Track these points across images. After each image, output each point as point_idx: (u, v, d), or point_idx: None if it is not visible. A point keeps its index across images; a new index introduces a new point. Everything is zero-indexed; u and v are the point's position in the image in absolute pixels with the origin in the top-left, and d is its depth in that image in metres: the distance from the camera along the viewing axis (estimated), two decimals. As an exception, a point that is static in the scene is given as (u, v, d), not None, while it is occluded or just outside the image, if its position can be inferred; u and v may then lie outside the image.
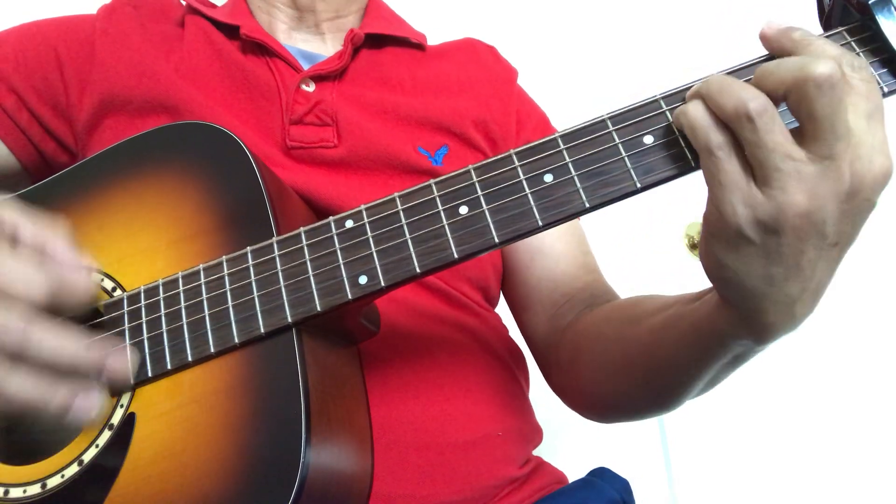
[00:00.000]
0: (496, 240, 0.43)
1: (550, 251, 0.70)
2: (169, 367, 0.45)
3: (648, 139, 0.42)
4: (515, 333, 0.71)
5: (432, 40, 0.76)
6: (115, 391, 0.46)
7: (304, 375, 0.42)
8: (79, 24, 0.67)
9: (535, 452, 0.65)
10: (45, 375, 0.40)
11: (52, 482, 0.45)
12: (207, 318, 0.46)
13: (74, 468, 0.44)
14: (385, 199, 0.46)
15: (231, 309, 0.45)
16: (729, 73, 0.42)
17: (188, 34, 0.67)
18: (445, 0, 1.21)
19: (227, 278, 0.46)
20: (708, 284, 0.45)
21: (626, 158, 0.42)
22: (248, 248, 0.47)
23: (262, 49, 0.66)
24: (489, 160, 0.45)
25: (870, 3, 0.41)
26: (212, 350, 0.45)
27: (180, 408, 0.44)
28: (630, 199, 0.43)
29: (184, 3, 0.71)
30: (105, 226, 0.52)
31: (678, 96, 0.43)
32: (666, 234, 1.23)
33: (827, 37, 0.42)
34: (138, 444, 0.44)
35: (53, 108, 0.64)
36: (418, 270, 0.44)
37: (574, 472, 0.65)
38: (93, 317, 0.49)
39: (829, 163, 0.36)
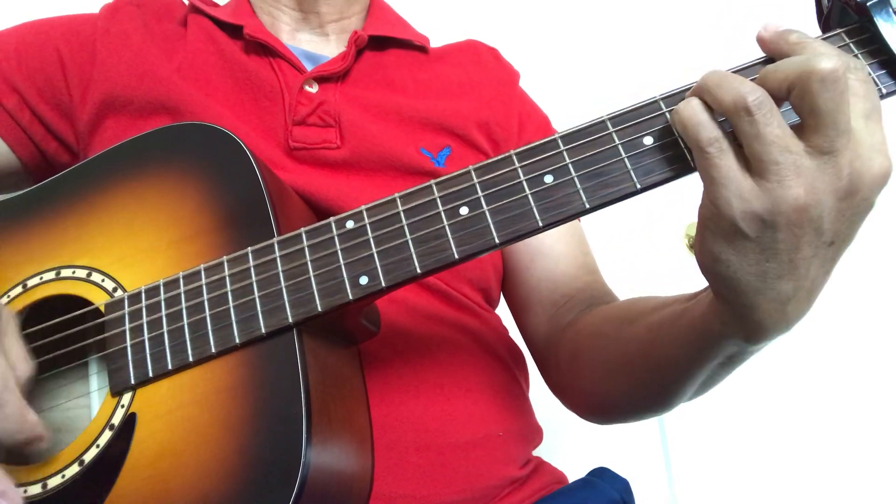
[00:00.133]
0: (496, 240, 0.43)
1: (550, 252, 0.70)
2: (170, 367, 0.45)
3: (648, 140, 0.42)
4: (515, 334, 0.71)
5: (434, 42, 0.76)
6: (117, 391, 0.46)
7: (304, 376, 0.43)
8: (81, 24, 0.67)
9: (536, 452, 0.65)
10: None
11: (53, 482, 0.45)
12: (208, 319, 0.46)
13: (75, 468, 0.45)
14: (386, 199, 0.46)
15: (232, 309, 0.45)
16: None
17: (191, 34, 0.67)
18: (447, 2, 1.21)
19: (228, 279, 0.46)
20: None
21: (626, 159, 0.42)
22: (249, 248, 0.47)
23: (266, 49, 0.66)
24: (489, 161, 0.45)
25: (868, 4, 0.41)
26: (213, 350, 0.45)
27: (181, 408, 0.44)
28: (630, 200, 0.43)
29: (186, 2, 0.71)
30: (106, 226, 0.52)
31: (678, 97, 0.43)
32: (666, 235, 1.23)
33: (825, 38, 0.43)
34: (139, 444, 0.44)
35: (55, 107, 0.64)
36: (419, 271, 0.44)
37: (574, 472, 0.65)
38: (93, 317, 0.49)
39: (829, 157, 0.36)
